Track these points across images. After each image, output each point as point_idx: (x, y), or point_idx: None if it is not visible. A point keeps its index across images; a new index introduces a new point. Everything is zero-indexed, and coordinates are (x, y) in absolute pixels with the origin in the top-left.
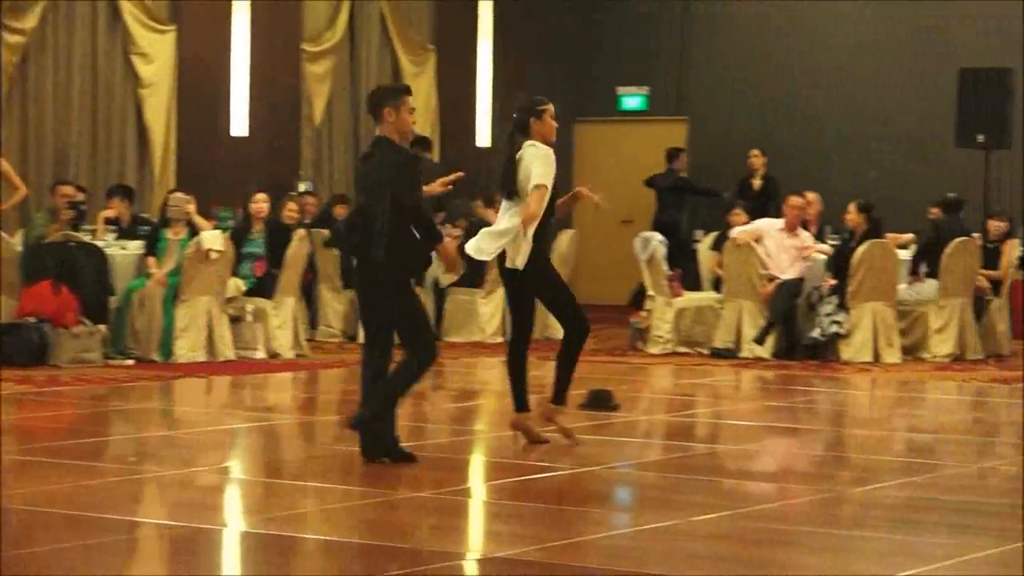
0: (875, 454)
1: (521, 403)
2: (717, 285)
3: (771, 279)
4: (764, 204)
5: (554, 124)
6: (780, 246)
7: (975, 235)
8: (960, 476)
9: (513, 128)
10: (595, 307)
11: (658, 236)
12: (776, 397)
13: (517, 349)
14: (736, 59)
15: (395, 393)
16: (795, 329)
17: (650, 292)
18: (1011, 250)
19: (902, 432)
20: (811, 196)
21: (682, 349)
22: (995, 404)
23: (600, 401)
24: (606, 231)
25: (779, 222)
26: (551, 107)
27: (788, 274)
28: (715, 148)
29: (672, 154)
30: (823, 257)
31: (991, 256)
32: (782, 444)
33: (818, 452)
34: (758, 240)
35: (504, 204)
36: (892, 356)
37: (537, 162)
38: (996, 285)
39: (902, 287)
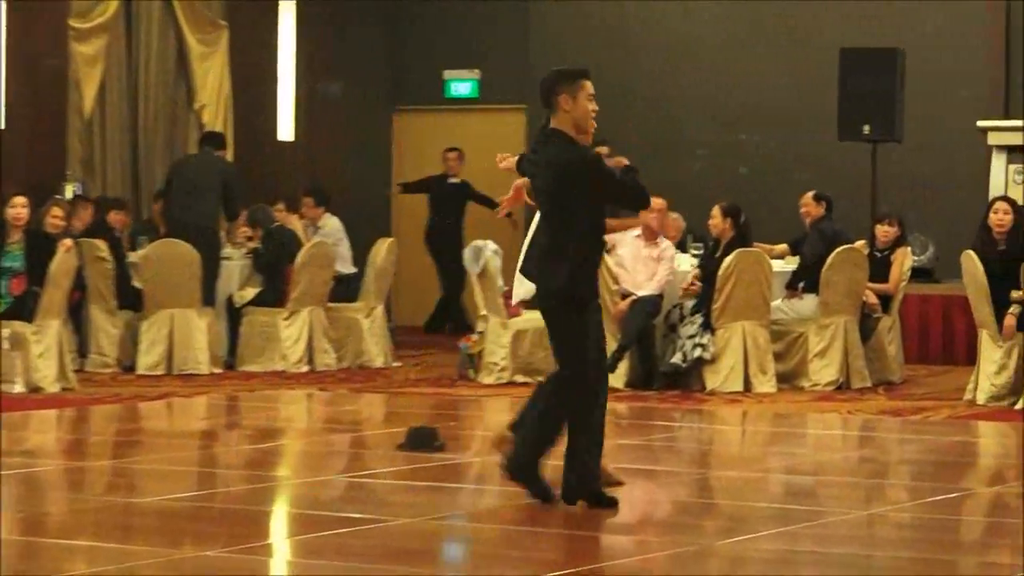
0: (746, 500)
1: None
2: None
3: (624, 295)
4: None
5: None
6: (636, 257)
7: (860, 242)
8: (844, 524)
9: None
10: (418, 329)
11: (492, 245)
12: (631, 434)
13: None
14: (585, 44)
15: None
16: (653, 354)
17: (482, 311)
18: (902, 259)
19: (777, 474)
20: (658, 202)
21: (520, 378)
22: (884, 440)
23: (422, 441)
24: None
25: (635, 228)
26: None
27: (645, 289)
28: None
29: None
30: (686, 268)
31: (879, 267)
32: (638, 489)
33: (681, 498)
34: (610, 250)
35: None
36: (766, 385)
37: None
38: (885, 301)
39: (776, 304)
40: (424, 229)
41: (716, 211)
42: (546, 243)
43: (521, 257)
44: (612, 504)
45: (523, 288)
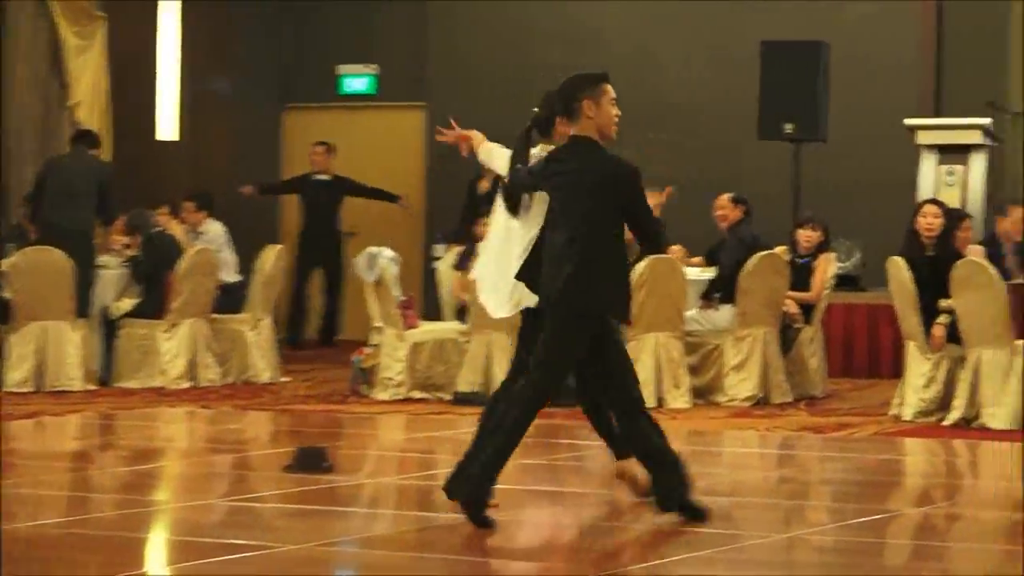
0: (657, 524)
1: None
2: (462, 314)
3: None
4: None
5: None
6: None
7: (780, 248)
8: (762, 548)
9: (532, 124)
10: (307, 342)
11: (388, 252)
12: (535, 453)
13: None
14: (487, 39)
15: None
16: None
17: (377, 323)
18: (825, 266)
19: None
20: None
21: (418, 394)
22: (806, 458)
23: (310, 461)
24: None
25: None
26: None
27: None
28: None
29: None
30: None
31: (801, 274)
32: (544, 512)
33: (589, 522)
34: None
35: (505, 222)
36: (679, 400)
37: None
38: (807, 310)
39: (691, 314)
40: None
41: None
42: (578, 255)
43: (509, 266)
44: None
45: (500, 296)
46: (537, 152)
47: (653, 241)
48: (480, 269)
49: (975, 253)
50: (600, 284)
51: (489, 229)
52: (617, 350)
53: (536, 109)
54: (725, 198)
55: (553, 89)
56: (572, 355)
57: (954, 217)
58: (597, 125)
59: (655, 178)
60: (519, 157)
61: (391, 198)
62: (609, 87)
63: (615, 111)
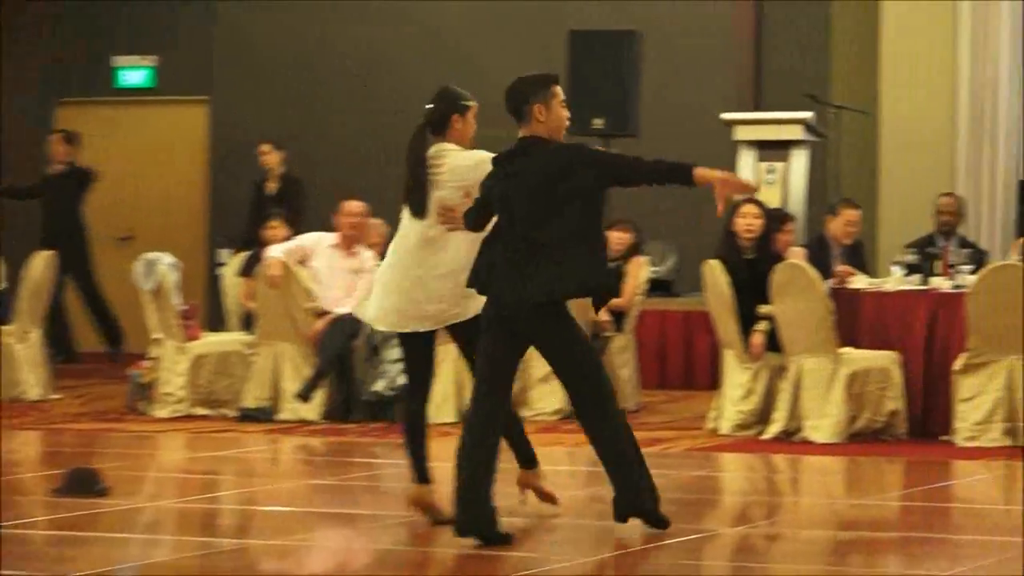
0: (456, 547)
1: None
2: (247, 323)
3: (321, 314)
4: (291, 213)
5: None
6: (332, 269)
7: None
8: (571, 572)
9: (425, 123)
10: (81, 355)
11: (167, 258)
12: (328, 472)
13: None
14: (275, 30)
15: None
16: (353, 380)
17: (156, 334)
18: (637, 270)
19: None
20: (357, 206)
21: (200, 410)
22: None
23: (82, 484)
24: (95, 252)
25: (330, 237)
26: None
27: (344, 307)
28: (245, 138)
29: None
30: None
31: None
32: (337, 537)
33: (386, 546)
34: (303, 261)
35: (422, 230)
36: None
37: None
38: (618, 317)
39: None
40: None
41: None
42: (557, 250)
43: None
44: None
45: (411, 310)
46: (434, 153)
47: (675, 169)
48: (386, 278)
49: (796, 255)
50: (580, 268)
51: (398, 237)
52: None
53: (430, 106)
54: None
55: (445, 86)
56: (586, 344)
57: (775, 218)
58: (548, 129)
59: None
60: (416, 158)
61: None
62: (559, 89)
63: (566, 113)
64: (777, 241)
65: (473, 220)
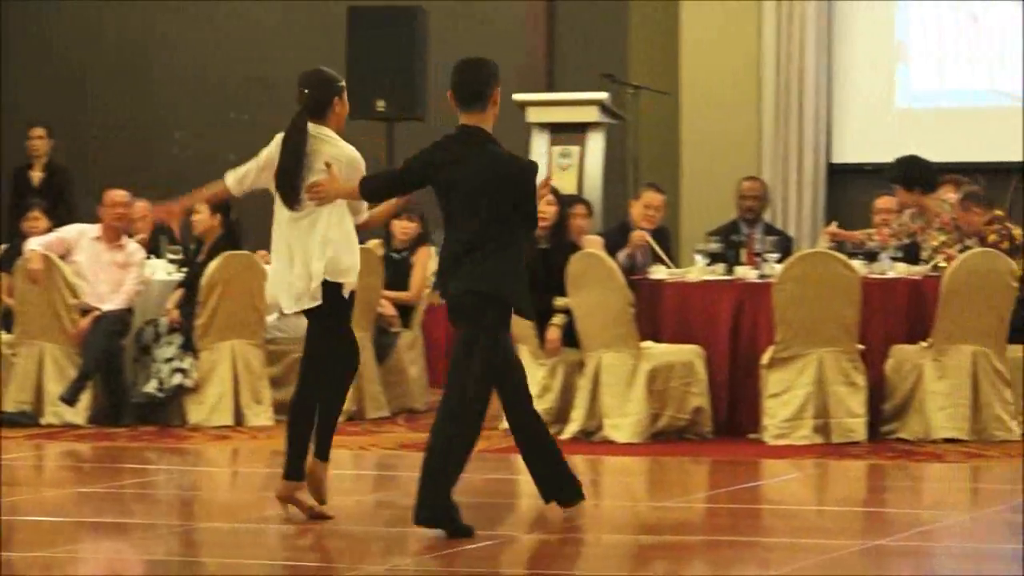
0: (240, 555)
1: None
2: (6, 321)
3: (85, 311)
4: (55, 204)
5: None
6: (97, 263)
7: (373, 242)
8: None
9: (304, 109)
10: None
11: None
12: (96, 480)
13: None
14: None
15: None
16: (121, 381)
17: None
18: (426, 261)
19: (276, 524)
20: (120, 194)
21: None
22: (407, 480)
23: None
24: None
25: (93, 228)
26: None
27: (110, 303)
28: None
29: None
30: (162, 276)
31: (397, 271)
32: (105, 547)
33: (159, 556)
34: (65, 255)
35: (288, 214)
36: (261, 416)
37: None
38: (405, 312)
39: (272, 319)
40: None
41: (201, 206)
42: (494, 249)
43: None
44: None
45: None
46: (325, 138)
47: (534, 223)
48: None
49: (593, 244)
50: (515, 278)
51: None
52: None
53: (305, 91)
54: None
55: (316, 69)
56: (502, 351)
57: (567, 203)
58: (494, 116)
59: (234, 162)
60: (297, 145)
61: None
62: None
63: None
64: (571, 228)
65: (376, 191)
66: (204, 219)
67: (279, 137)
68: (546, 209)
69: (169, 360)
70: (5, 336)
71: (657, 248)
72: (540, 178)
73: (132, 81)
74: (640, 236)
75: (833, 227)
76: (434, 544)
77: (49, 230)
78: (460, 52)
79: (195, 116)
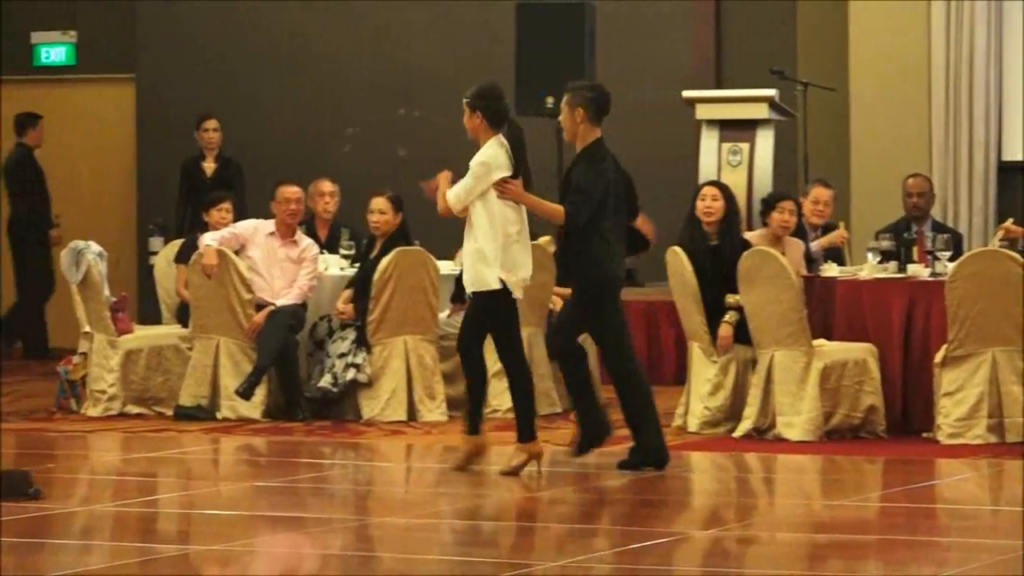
0: (414, 551)
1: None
2: (182, 315)
3: (260, 306)
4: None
5: None
6: (271, 258)
7: (544, 238)
8: (545, 573)
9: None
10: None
11: (95, 247)
12: (271, 474)
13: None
14: (195, 10)
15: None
16: (296, 376)
17: (85, 328)
18: None
19: (450, 519)
20: (328, 186)
21: (134, 409)
22: (579, 476)
23: (12, 487)
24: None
25: (268, 224)
26: None
27: (284, 298)
28: (172, 118)
29: (23, 122)
30: (335, 272)
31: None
32: (283, 541)
33: (335, 551)
34: (240, 250)
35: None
36: (434, 412)
37: None
38: None
39: (444, 316)
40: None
41: (380, 202)
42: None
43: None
44: None
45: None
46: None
47: None
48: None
49: (793, 247)
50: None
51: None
52: None
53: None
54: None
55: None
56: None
57: (769, 198)
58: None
59: (403, 159)
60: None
61: None
62: None
63: None
64: (772, 220)
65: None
66: (389, 219)
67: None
68: (712, 205)
69: (343, 355)
70: (182, 330)
71: (844, 250)
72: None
73: (300, 78)
74: (841, 235)
75: (1009, 224)
76: (608, 541)
77: (228, 222)
78: (628, 49)
79: (364, 113)
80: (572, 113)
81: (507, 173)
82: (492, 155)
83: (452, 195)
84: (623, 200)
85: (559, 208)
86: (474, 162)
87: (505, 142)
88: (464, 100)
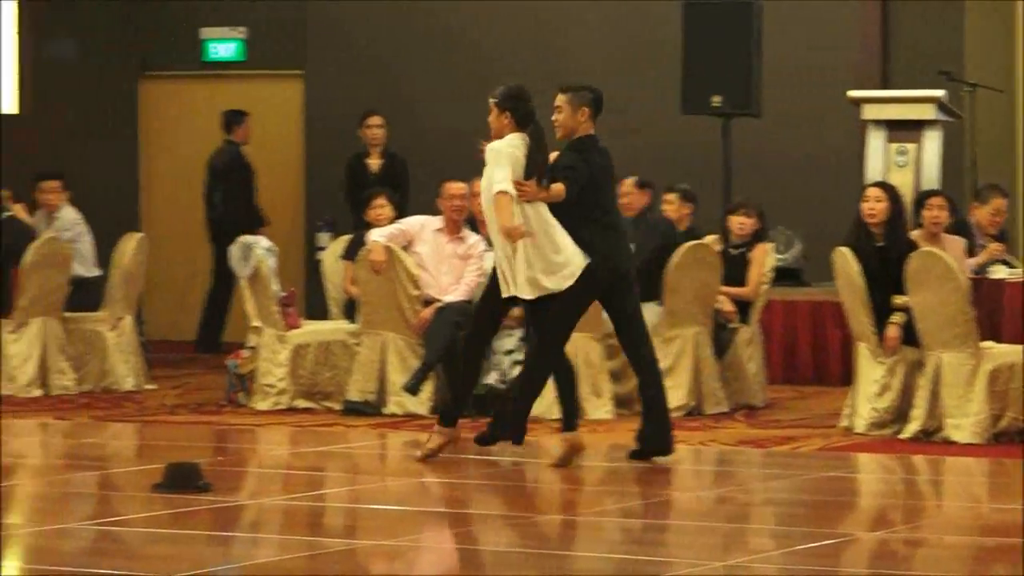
0: (580, 549)
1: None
2: (350, 311)
3: (428, 302)
4: (392, 192)
5: None
6: (439, 254)
7: (711, 237)
8: (705, 574)
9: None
10: (176, 344)
11: (264, 242)
12: (439, 470)
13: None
14: (364, 6)
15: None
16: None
17: (255, 322)
18: (762, 258)
19: (616, 517)
20: (459, 186)
21: (303, 403)
22: (745, 476)
23: (183, 479)
24: (188, 235)
25: (435, 221)
26: None
27: (451, 295)
28: (340, 114)
29: (231, 119)
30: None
31: (735, 267)
32: (447, 537)
33: (501, 547)
34: (408, 246)
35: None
36: (601, 410)
37: None
38: (743, 308)
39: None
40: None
41: None
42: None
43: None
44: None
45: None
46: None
47: None
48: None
49: (953, 245)
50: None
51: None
52: None
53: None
54: (629, 182)
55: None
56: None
57: (921, 197)
58: None
59: None
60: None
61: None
62: None
63: None
64: (924, 218)
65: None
66: None
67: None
68: (875, 206)
69: (509, 352)
70: (349, 326)
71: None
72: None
73: (463, 75)
74: (998, 248)
75: None
76: (773, 541)
77: (394, 220)
78: (794, 48)
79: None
80: (576, 112)
81: (519, 166)
82: (506, 143)
83: (498, 186)
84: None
85: (560, 187)
86: (490, 148)
87: (528, 141)
88: (492, 100)
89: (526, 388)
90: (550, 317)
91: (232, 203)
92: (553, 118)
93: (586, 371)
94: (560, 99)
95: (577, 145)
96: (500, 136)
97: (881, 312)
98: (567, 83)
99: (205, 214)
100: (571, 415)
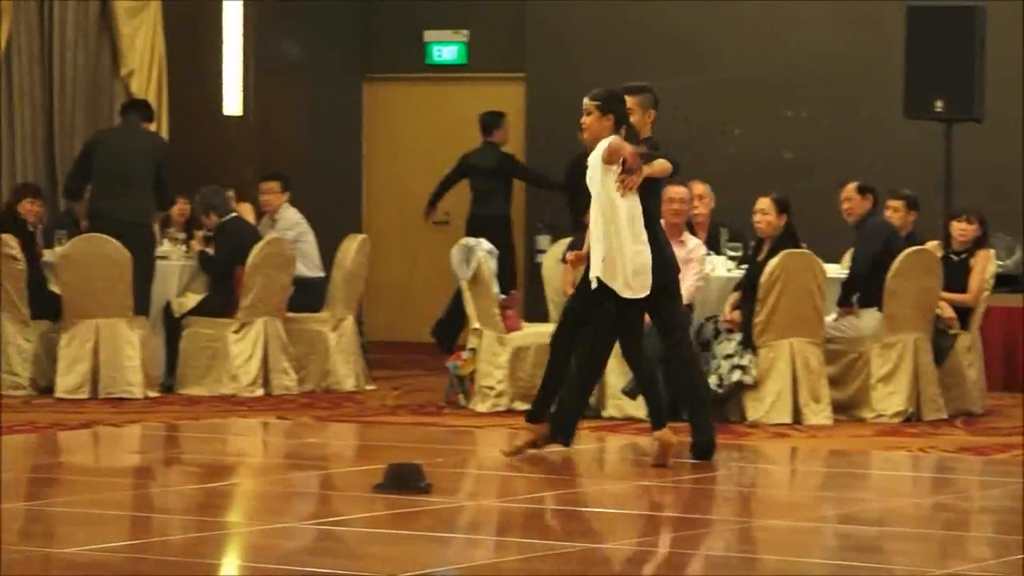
0: (797, 554)
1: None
2: None
3: None
4: None
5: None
6: None
7: (932, 243)
8: None
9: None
10: (396, 345)
11: (485, 244)
12: (656, 474)
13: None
14: (583, 10)
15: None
16: None
17: (475, 324)
18: (984, 264)
19: (834, 523)
20: (699, 188)
21: (521, 405)
22: (964, 483)
23: (405, 480)
24: (410, 236)
25: None
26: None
27: None
28: (562, 117)
29: (490, 122)
30: (721, 273)
31: (956, 273)
32: (666, 540)
33: (718, 551)
34: None
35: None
36: (819, 415)
37: None
38: (964, 314)
39: (830, 319)
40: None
41: (766, 203)
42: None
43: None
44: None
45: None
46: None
47: None
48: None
49: None
50: None
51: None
52: None
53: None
54: (851, 187)
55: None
56: None
57: None
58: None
59: (789, 161)
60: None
61: (553, 186)
62: None
63: None
64: None
65: None
66: (772, 220)
67: None
68: None
69: (729, 356)
70: None
71: None
72: None
73: (684, 77)
74: None
75: None
76: (991, 550)
77: None
78: (1018, 52)
79: (749, 113)
80: (645, 114)
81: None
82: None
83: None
84: None
85: (664, 162)
86: (602, 146)
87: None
88: (594, 103)
89: (580, 387)
90: (618, 317)
91: (500, 203)
92: (582, 120)
93: (805, 376)
94: (631, 101)
95: (652, 144)
96: (599, 138)
97: None
98: (628, 85)
99: (470, 211)
100: (659, 413)
